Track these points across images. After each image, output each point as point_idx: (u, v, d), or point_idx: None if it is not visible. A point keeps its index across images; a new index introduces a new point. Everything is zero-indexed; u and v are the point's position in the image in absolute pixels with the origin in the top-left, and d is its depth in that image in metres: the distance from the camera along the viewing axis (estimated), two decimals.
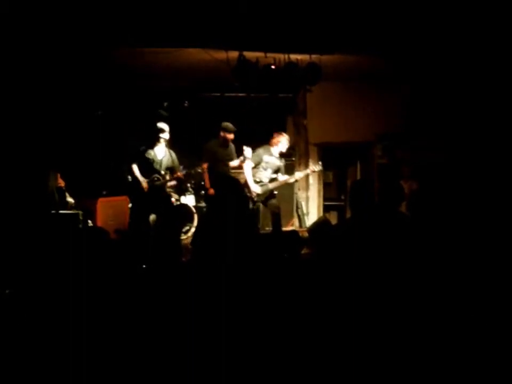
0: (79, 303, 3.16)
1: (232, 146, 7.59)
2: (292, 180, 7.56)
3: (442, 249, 4.10)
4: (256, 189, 7.21)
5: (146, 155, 7.36)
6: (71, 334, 3.04)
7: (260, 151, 7.35)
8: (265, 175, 7.38)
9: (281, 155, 7.58)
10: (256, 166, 7.35)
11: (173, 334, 3.28)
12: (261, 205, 7.71)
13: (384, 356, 3.14)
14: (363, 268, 3.52)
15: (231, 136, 7.49)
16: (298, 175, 7.63)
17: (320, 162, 7.90)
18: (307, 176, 9.39)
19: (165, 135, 7.37)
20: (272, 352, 3.17)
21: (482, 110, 7.26)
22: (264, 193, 7.31)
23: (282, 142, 7.39)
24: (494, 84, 6.96)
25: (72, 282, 3.31)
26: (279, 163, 7.48)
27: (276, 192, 7.45)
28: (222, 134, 7.50)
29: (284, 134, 7.53)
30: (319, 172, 8.19)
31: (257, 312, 3.40)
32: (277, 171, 7.46)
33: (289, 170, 9.08)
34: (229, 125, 7.48)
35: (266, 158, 7.33)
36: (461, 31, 6.15)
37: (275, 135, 7.46)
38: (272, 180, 7.40)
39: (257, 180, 7.33)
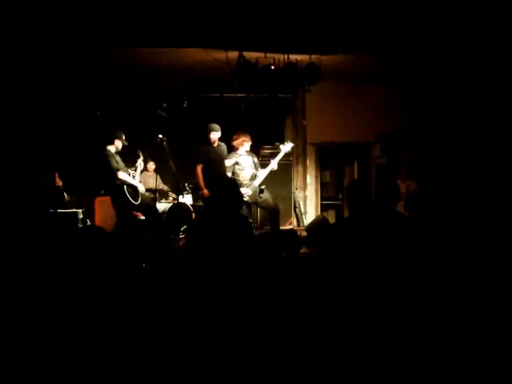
0: (78, 301, 3.18)
1: (223, 146, 7.49)
2: (270, 168, 7.52)
3: (439, 249, 4.13)
4: (245, 191, 7.23)
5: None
6: (70, 332, 3.06)
7: (227, 160, 7.38)
8: (245, 175, 7.40)
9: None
10: (234, 172, 7.38)
11: (173, 331, 3.30)
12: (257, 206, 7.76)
13: (381, 353, 3.17)
14: (361, 266, 3.55)
15: (214, 136, 7.39)
16: (275, 162, 7.58)
17: (289, 141, 7.86)
18: (306, 172, 9.43)
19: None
20: (271, 350, 3.20)
21: (482, 110, 7.28)
22: (254, 192, 7.32)
23: (246, 141, 7.41)
24: (494, 83, 6.99)
25: (72, 280, 3.33)
26: (251, 158, 7.51)
27: (263, 187, 7.46)
28: (208, 135, 7.44)
29: (243, 133, 7.48)
30: (292, 149, 8.07)
31: (256, 311, 3.43)
32: (254, 167, 7.49)
33: (287, 169, 9.14)
34: (212, 125, 7.42)
35: (235, 160, 7.37)
36: (461, 31, 6.17)
37: (235, 137, 7.45)
38: (254, 177, 7.41)
39: (243, 182, 7.34)
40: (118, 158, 7.52)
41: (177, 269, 4.75)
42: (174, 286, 3.96)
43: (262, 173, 7.40)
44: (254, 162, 7.49)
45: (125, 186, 7.40)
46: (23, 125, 6.88)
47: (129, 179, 7.43)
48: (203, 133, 7.50)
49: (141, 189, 7.62)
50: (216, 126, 7.39)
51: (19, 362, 3.00)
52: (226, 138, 7.57)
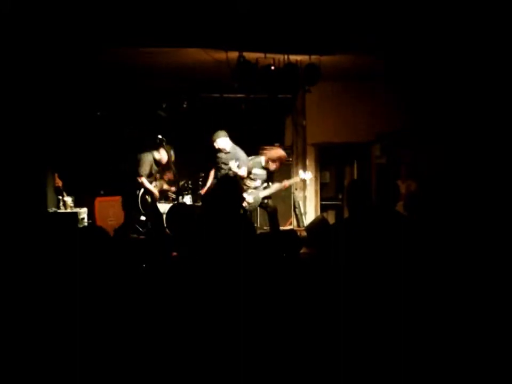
0: (78, 301, 3.18)
1: (232, 153, 7.39)
2: (281, 187, 7.52)
3: (439, 249, 4.13)
4: (247, 197, 7.22)
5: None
6: (70, 332, 3.06)
7: (250, 163, 7.35)
8: (254, 185, 7.38)
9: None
10: (247, 177, 7.36)
11: (174, 331, 3.30)
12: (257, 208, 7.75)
13: (381, 353, 3.17)
14: (361, 267, 3.55)
15: (216, 144, 7.36)
16: (288, 182, 7.58)
17: (309, 172, 7.87)
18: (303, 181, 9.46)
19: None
20: (271, 350, 3.20)
21: (482, 110, 7.28)
22: (255, 201, 7.30)
23: (275, 159, 7.36)
24: (494, 83, 6.99)
25: (72, 280, 3.33)
26: (266, 173, 7.50)
27: (266, 201, 7.45)
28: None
29: (281, 151, 7.47)
30: (308, 180, 8.11)
31: (256, 311, 3.42)
32: (265, 181, 7.48)
33: (287, 170, 9.16)
34: (214, 134, 7.42)
35: (255, 170, 7.34)
36: (461, 31, 6.17)
37: (273, 150, 7.42)
38: (261, 188, 7.39)
39: (247, 188, 7.33)
40: (155, 166, 7.51)
41: (177, 268, 4.75)
42: (174, 286, 3.96)
43: (270, 188, 7.40)
44: (265, 177, 7.48)
45: (140, 194, 7.40)
46: (23, 125, 6.88)
47: (148, 184, 7.42)
48: (205, 135, 7.53)
49: (155, 193, 7.61)
50: (216, 134, 7.36)
51: (19, 362, 3.00)
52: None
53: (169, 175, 8.29)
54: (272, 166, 7.36)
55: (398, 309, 3.29)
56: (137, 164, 7.36)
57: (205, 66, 7.49)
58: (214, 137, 7.35)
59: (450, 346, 3.24)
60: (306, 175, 7.61)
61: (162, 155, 7.51)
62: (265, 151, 7.38)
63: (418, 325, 3.30)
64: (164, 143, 7.63)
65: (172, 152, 7.70)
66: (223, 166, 7.37)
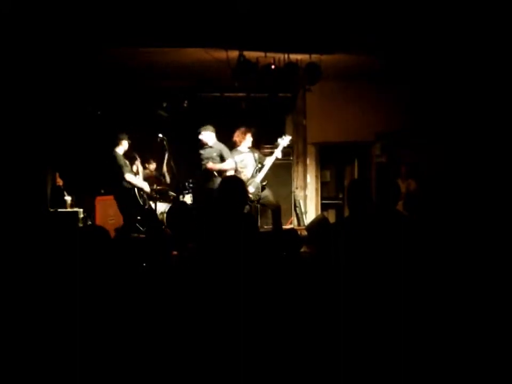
0: (79, 300, 3.18)
1: (208, 148, 7.48)
2: (271, 163, 7.52)
3: (439, 248, 4.13)
4: (248, 189, 7.23)
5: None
6: (70, 332, 3.06)
7: (230, 160, 7.40)
8: (247, 173, 7.40)
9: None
10: (236, 171, 7.39)
11: (174, 330, 3.31)
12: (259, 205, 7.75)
13: (381, 353, 3.17)
14: (361, 266, 3.55)
15: (201, 137, 7.46)
16: (270, 158, 7.57)
17: (286, 135, 7.84)
18: (306, 171, 9.45)
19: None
20: (271, 349, 3.20)
21: (482, 110, 7.29)
22: (256, 189, 7.33)
23: (246, 138, 7.43)
24: (494, 83, 6.99)
25: (72, 280, 3.33)
26: (254, 155, 7.51)
27: (265, 183, 7.48)
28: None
29: (243, 129, 7.53)
30: (288, 143, 8.07)
31: (256, 310, 3.43)
32: (258, 163, 7.50)
33: (287, 169, 9.17)
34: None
35: (237, 158, 7.37)
36: (461, 30, 6.17)
37: (236, 134, 7.47)
38: (255, 174, 7.43)
39: (245, 180, 7.33)
40: (126, 160, 7.59)
41: (178, 267, 4.76)
42: (174, 285, 3.97)
43: (263, 170, 7.42)
44: (255, 159, 7.51)
45: (136, 190, 7.43)
46: (24, 125, 6.89)
47: (135, 180, 7.45)
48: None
49: (147, 189, 7.64)
50: (204, 127, 7.45)
51: (19, 362, 3.00)
52: (227, 138, 7.59)
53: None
54: (241, 140, 7.43)
55: (398, 307, 3.30)
56: (117, 165, 7.39)
57: (205, 66, 7.48)
58: (201, 129, 7.44)
59: (450, 344, 3.24)
60: (284, 140, 7.62)
61: (124, 145, 7.56)
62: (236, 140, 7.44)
63: (418, 323, 3.30)
64: (165, 142, 7.64)
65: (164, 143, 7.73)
66: (205, 161, 7.41)
